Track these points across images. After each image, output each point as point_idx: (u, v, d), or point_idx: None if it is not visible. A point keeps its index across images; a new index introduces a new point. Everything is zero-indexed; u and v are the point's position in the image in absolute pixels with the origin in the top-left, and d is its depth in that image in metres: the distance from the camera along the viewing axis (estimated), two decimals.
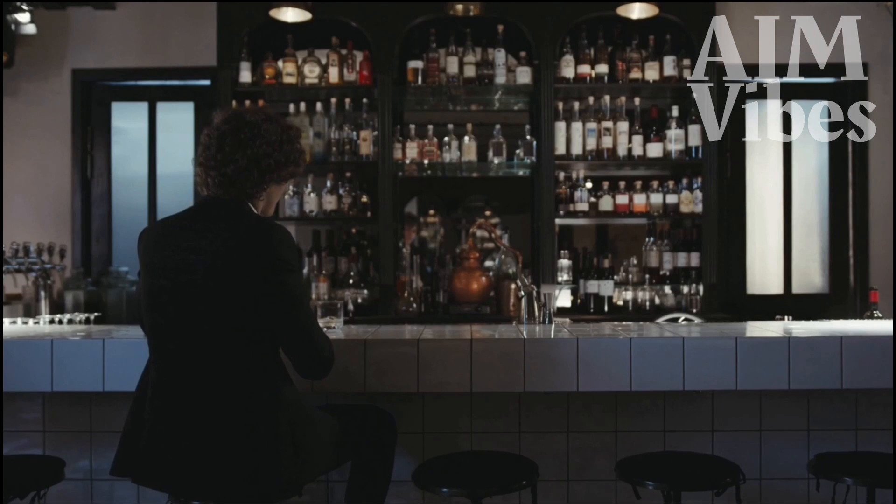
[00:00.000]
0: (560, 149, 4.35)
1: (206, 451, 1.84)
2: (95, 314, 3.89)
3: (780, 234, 4.74)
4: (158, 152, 4.79)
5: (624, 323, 3.52)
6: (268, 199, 2.05)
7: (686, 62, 4.36)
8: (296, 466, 1.88)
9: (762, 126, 4.77)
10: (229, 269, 1.84)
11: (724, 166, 4.55)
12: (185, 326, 1.88)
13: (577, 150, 4.34)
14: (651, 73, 4.36)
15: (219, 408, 1.85)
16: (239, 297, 1.84)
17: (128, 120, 4.80)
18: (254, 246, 1.85)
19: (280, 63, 4.38)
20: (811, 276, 4.77)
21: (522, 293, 3.00)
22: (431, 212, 5.74)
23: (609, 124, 4.33)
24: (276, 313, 1.88)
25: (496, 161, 4.41)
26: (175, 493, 1.93)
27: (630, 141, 4.33)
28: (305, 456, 1.91)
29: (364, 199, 4.41)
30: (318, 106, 4.38)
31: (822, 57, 4.62)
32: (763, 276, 4.76)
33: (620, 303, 4.41)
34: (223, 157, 1.94)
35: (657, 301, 4.40)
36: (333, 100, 4.40)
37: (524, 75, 4.36)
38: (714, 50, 4.36)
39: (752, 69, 4.66)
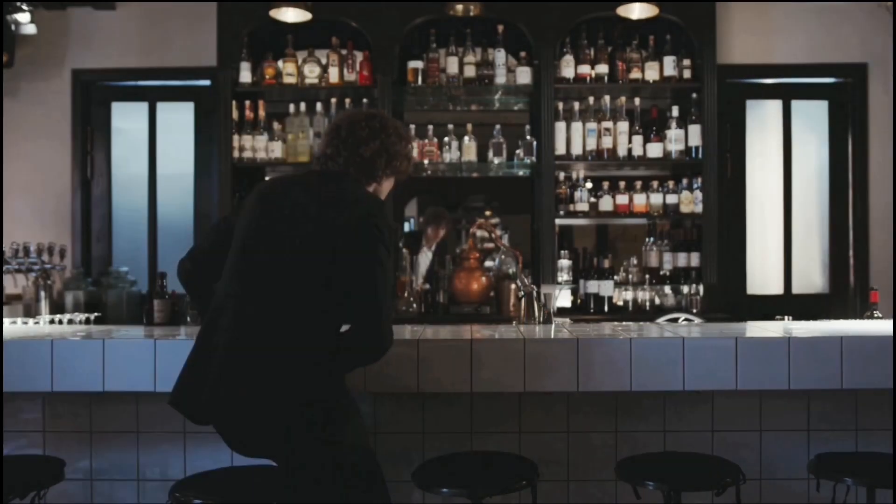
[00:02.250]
0: (560, 149, 4.35)
1: (264, 406, 1.90)
2: (95, 314, 3.90)
3: (780, 234, 4.74)
4: (158, 152, 4.79)
5: (624, 323, 3.52)
6: (379, 190, 2.18)
7: (686, 62, 4.36)
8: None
9: (762, 126, 4.78)
10: (333, 231, 1.94)
11: (724, 166, 4.55)
12: (277, 279, 1.94)
13: (577, 150, 4.34)
14: (651, 73, 4.36)
15: (288, 367, 1.90)
16: (333, 260, 1.92)
17: (128, 120, 4.80)
18: (359, 216, 1.95)
19: (280, 63, 4.38)
20: (811, 276, 4.77)
21: (522, 293, 3.01)
22: None
23: (609, 124, 4.33)
24: (358, 280, 1.92)
25: (496, 161, 4.41)
26: (224, 435, 1.99)
27: (630, 141, 4.33)
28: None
29: None
30: (318, 106, 4.38)
31: (821, 57, 4.64)
32: (763, 276, 4.76)
33: (620, 303, 4.41)
34: (355, 140, 2.10)
35: (657, 301, 4.40)
36: (333, 100, 4.40)
37: (524, 75, 4.36)
38: (715, 50, 4.38)
39: (752, 69, 4.68)
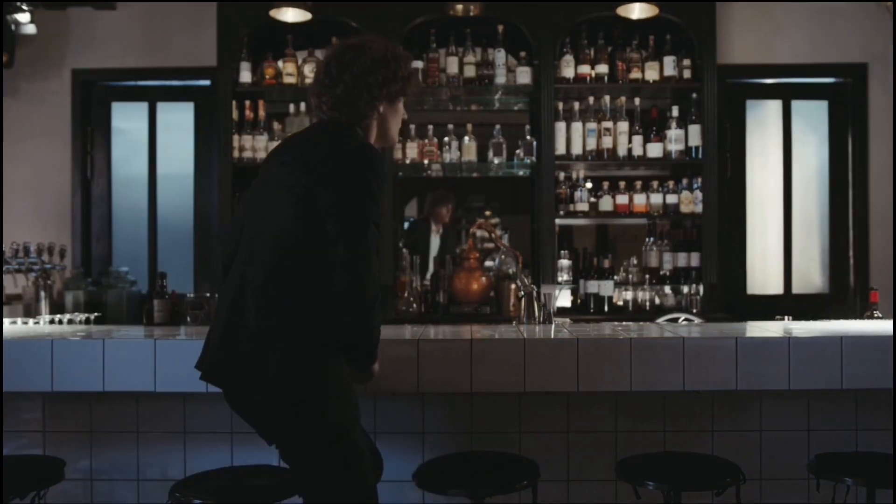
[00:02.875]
0: (560, 149, 4.35)
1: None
2: (95, 314, 3.90)
3: (780, 234, 4.74)
4: (158, 152, 4.78)
5: (624, 323, 3.52)
6: (381, 122, 2.08)
7: (686, 62, 4.36)
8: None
9: (762, 126, 4.78)
10: (317, 186, 1.88)
11: (724, 166, 4.55)
12: (273, 240, 1.91)
13: (577, 150, 4.34)
14: (651, 73, 4.36)
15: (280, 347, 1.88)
16: (320, 214, 1.87)
17: (128, 120, 4.80)
18: (342, 166, 1.89)
19: (280, 63, 4.38)
20: (811, 276, 4.77)
21: (522, 293, 3.01)
22: None
23: (609, 124, 4.33)
24: (336, 232, 1.86)
25: (496, 161, 4.41)
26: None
27: (630, 141, 4.33)
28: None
29: None
30: None
31: (821, 57, 4.64)
32: (763, 276, 4.76)
33: (620, 303, 4.41)
34: (331, 80, 2.00)
35: (657, 301, 4.39)
36: None
37: (524, 75, 4.35)
38: (715, 50, 4.37)
39: (752, 69, 4.68)
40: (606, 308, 4.34)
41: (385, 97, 2.05)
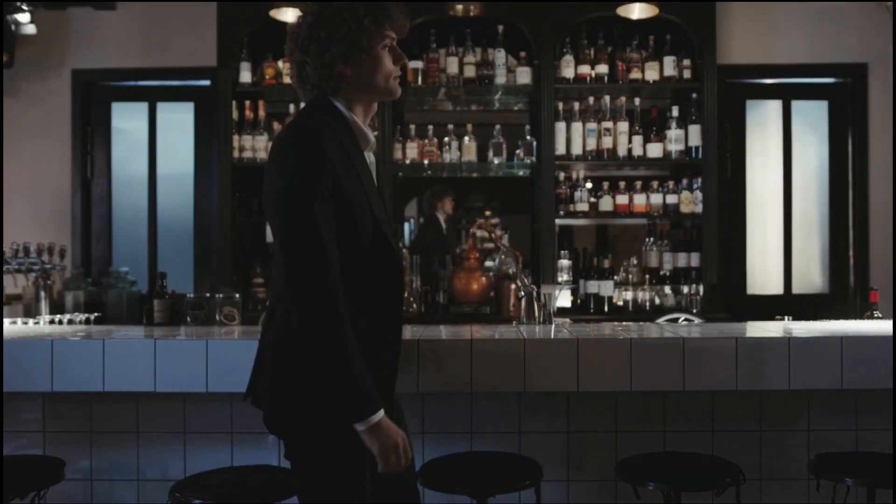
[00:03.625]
0: (560, 149, 4.35)
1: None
2: (95, 314, 3.90)
3: (780, 234, 4.74)
4: (158, 152, 4.79)
5: (624, 323, 3.52)
6: (359, 83, 1.86)
7: (686, 62, 4.36)
8: None
9: (762, 126, 4.78)
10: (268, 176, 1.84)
11: (724, 166, 4.55)
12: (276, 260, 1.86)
13: (577, 150, 4.34)
14: (651, 74, 4.36)
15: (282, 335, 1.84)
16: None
17: (128, 120, 4.80)
18: (272, 155, 1.83)
19: (280, 63, 4.38)
20: (811, 276, 4.77)
21: (522, 293, 3.01)
22: None
23: (609, 124, 4.33)
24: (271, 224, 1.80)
25: (496, 161, 4.41)
26: None
27: (630, 141, 4.33)
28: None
29: None
30: None
31: (821, 57, 4.64)
32: (763, 276, 4.76)
33: (620, 303, 4.41)
34: (292, 64, 1.90)
35: (657, 301, 4.40)
36: None
37: (524, 75, 4.36)
38: (715, 50, 4.38)
39: (752, 69, 4.68)
40: (606, 308, 4.34)
41: (340, 60, 1.82)
